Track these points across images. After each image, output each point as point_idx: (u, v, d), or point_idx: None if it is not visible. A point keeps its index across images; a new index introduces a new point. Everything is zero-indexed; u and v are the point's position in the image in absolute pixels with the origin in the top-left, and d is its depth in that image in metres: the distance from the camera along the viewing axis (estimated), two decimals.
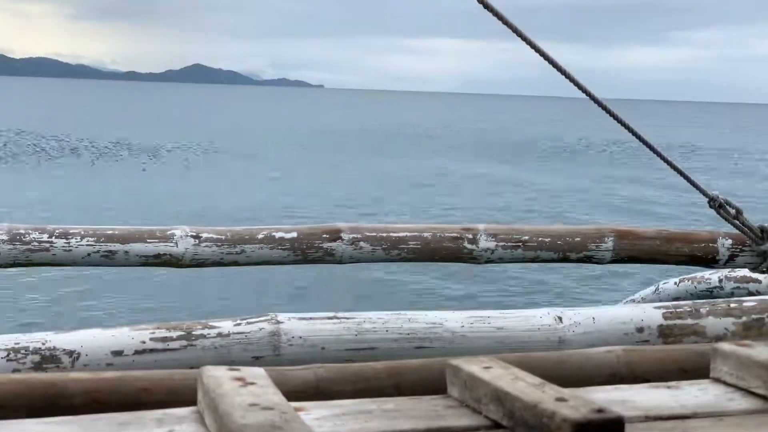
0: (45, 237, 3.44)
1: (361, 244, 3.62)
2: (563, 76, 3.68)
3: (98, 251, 3.48)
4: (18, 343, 2.81)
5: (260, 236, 3.56)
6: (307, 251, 3.59)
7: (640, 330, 3.20)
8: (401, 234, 3.68)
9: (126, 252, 3.49)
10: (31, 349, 2.79)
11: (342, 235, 3.61)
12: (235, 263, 3.56)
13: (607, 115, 3.79)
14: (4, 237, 3.37)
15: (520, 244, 3.75)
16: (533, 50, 3.62)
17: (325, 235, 3.61)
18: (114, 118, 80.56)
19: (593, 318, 3.26)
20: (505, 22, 3.53)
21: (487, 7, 3.39)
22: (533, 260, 3.81)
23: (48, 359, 2.79)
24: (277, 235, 3.57)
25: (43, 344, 2.81)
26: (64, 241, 3.45)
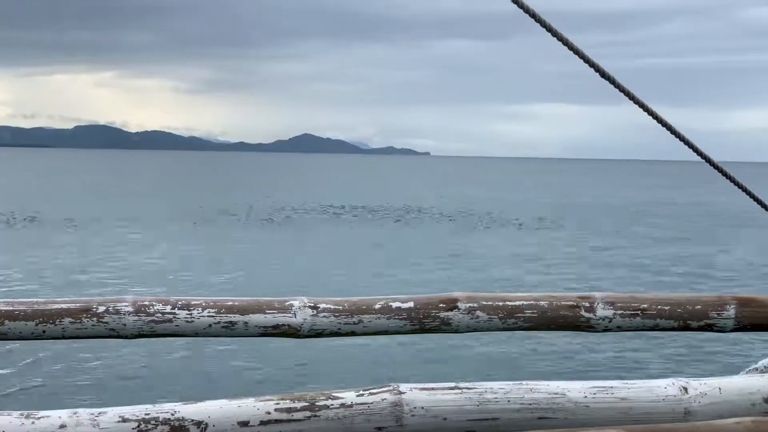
0: (168, 308, 3.51)
1: (478, 313, 3.61)
2: (676, 138, 3.65)
3: (219, 322, 3.54)
4: (148, 414, 2.87)
5: (377, 306, 3.58)
6: (424, 321, 3.58)
7: None
8: (517, 302, 3.66)
9: (245, 323, 3.54)
10: (161, 419, 2.85)
11: (458, 304, 3.60)
12: (353, 333, 3.57)
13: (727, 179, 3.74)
14: (130, 309, 3.46)
15: (639, 312, 3.69)
16: (644, 112, 3.61)
17: (441, 305, 3.60)
18: (228, 186, 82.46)
19: (719, 388, 3.19)
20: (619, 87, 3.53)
21: (605, 77, 3.40)
22: (653, 329, 3.74)
23: (177, 429, 2.84)
24: (394, 305, 3.58)
25: (173, 415, 2.87)
26: (186, 312, 3.52)
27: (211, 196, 73.39)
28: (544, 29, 3.83)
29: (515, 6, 3.45)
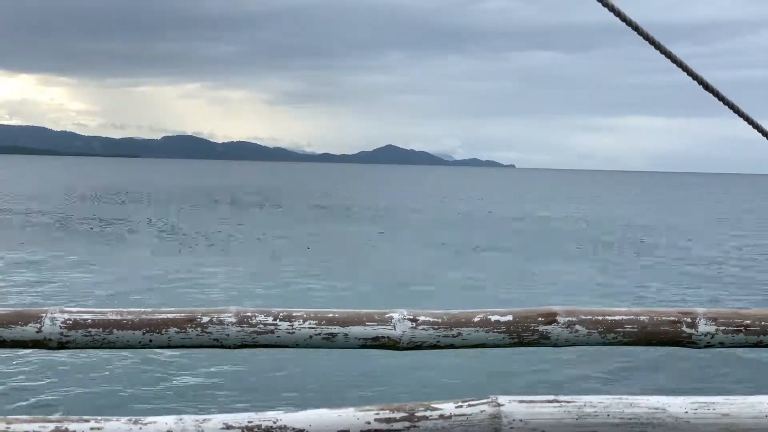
0: (270, 320, 3.58)
1: (577, 327, 3.59)
2: None
3: (319, 334, 3.59)
4: (251, 422, 2.94)
5: (476, 319, 3.59)
6: (523, 334, 3.58)
7: None
8: (617, 317, 3.63)
9: (346, 335, 3.59)
10: (263, 427, 2.92)
11: (557, 318, 3.59)
12: (451, 346, 3.59)
13: None
14: (233, 319, 3.54)
15: (742, 328, 3.63)
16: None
17: (540, 318, 3.60)
18: (317, 193, 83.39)
19: None
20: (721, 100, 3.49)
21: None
22: (756, 345, 3.68)
23: None
24: (493, 318, 3.59)
25: (275, 423, 2.93)
26: (288, 323, 3.58)
27: (307, 205, 74.18)
28: (646, 42, 3.81)
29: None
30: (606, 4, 3.75)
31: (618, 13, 3.80)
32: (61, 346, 3.44)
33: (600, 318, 3.62)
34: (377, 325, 3.58)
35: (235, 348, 3.57)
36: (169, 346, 3.53)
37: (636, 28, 3.80)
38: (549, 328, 3.57)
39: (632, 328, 3.62)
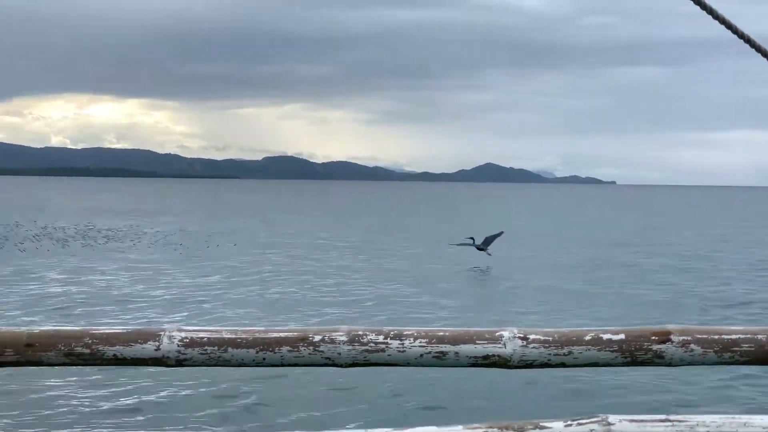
0: (381, 338, 3.61)
1: (692, 346, 3.54)
2: None
3: (430, 352, 3.61)
4: None
5: (587, 338, 3.57)
6: (636, 353, 3.55)
7: None
8: (734, 336, 3.57)
9: (456, 353, 3.60)
10: None
11: (672, 337, 3.54)
12: (562, 365, 3.57)
13: None
14: (344, 338, 3.58)
15: None
16: None
17: (654, 337, 3.56)
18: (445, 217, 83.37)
19: None
20: None
21: None
22: None
23: None
24: (605, 336, 3.56)
25: None
26: (399, 342, 3.61)
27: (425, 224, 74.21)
28: (754, 54, 3.75)
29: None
30: (717, 17, 3.70)
31: (729, 26, 3.75)
32: (179, 363, 3.52)
33: (716, 337, 3.56)
34: (487, 344, 3.59)
35: (346, 366, 3.61)
36: (282, 365, 3.59)
37: (748, 41, 3.75)
38: (663, 347, 3.53)
39: (749, 347, 3.55)
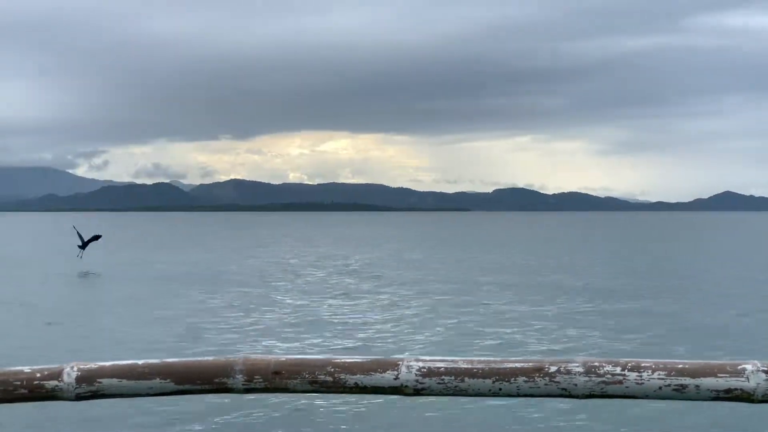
0: (618, 370, 3.57)
1: None
2: None
3: (669, 385, 3.53)
4: None
5: None
6: None
7: None
8: None
9: (697, 386, 3.51)
10: None
11: None
12: None
13: None
14: (580, 369, 3.56)
15: None
16: None
17: None
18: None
19: None
20: None
21: None
22: None
23: None
24: None
25: None
26: (636, 374, 3.55)
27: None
28: None
29: None
30: None
31: None
32: (416, 393, 3.60)
33: None
34: (729, 377, 3.47)
35: (583, 398, 3.58)
36: (518, 395, 3.60)
37: None
38: None
39: None
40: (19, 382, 3.64)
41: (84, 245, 58.04)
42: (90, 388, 3.66)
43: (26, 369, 3.67)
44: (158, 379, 3.68)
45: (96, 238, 59.02)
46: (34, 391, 3.65)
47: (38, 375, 3.67)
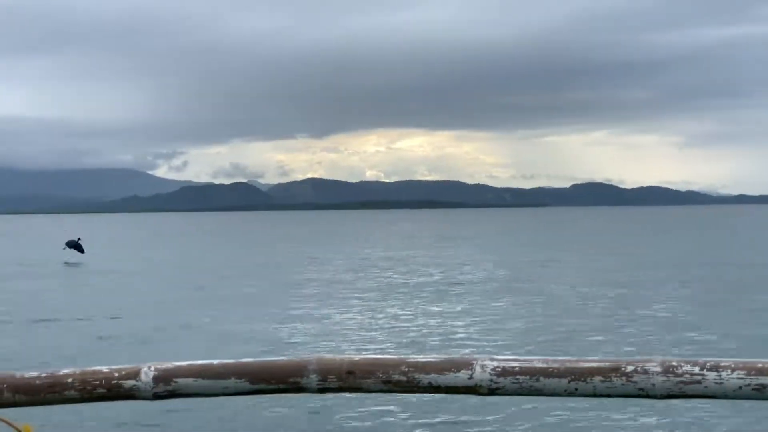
0: (696, 369, 3.50)
1: None
2: None
3: (749, 384, 3.46)
4: None
5: None
6: None
7: None
8: None
9: None
10: None
11: None
12: None
13: None
14: (658, 369, 3.50)
15: None
16: None
17: None
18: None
19: None
20: None
21: None
22: None
23: None
24: None
25: None
26: (715, 374, 3.48)
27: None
28: None
29: None
30: None
31: None
32: (491, 392, 3.58)
33: None
34: None
35: (661, 398, 3.52)
36: (594, 395, 3.55)
37: None
38: None
39: None
40: (98, 382, 3.71)
41: (71, 246, 64.06)
42: (167, 388, 3.71)
43: (104, 369, 3.74)
44: (233, 378, 3.72)
45: (78, 246, 64.52)
46: (112, 390, 3.71)
47: (116, 375, 3.73)
